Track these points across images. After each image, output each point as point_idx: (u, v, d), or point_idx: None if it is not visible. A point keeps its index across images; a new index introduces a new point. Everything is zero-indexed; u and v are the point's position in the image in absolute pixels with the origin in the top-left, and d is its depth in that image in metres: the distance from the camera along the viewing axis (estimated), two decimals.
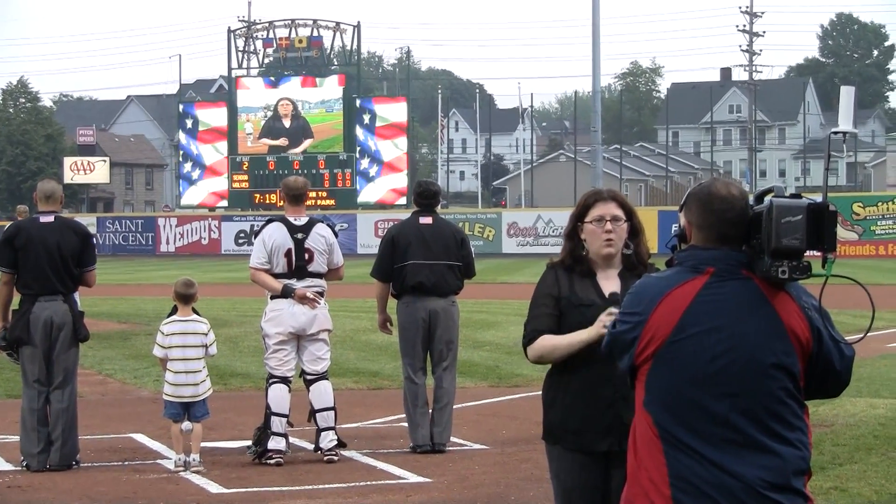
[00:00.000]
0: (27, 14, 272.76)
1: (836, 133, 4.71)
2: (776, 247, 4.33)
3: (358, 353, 20.66)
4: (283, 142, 72.55)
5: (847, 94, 4.77)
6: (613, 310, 5.99)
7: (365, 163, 71.48)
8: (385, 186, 71.28)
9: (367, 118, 71.86)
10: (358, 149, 71.42)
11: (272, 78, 74.52)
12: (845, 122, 4.71)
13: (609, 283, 6.15)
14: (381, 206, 70.77)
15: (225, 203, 74.65)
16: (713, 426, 4.37)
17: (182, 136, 76.72)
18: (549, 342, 6.12)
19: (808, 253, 4.37)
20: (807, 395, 4.52)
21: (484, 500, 10.52)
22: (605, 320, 5.90)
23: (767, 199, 4.40)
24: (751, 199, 4.51)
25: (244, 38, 75.91)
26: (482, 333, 23.72)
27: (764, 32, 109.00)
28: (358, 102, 72.65)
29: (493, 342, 22.36)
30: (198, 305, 12.10)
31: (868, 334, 4.96)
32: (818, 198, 4.39)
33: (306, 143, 72.25)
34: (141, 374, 18.26)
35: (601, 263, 6.26)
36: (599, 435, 6.11)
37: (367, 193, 71.37)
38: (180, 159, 77.48)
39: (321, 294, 12.12)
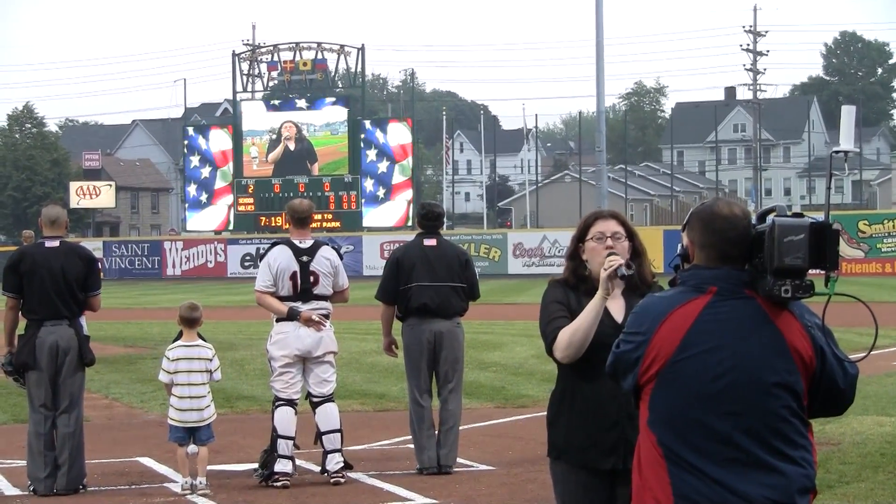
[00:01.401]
0: (32, 40, 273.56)
1: (837, 152, 4.72)
2: (778, 266, 4.33)
3: (364, 375, 20.65)
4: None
5: (848, 114, 4.79)
6: (614, 257, 6.04)
7: (370, 185, 71.50)
8: (390, 208, 71.29)
9: (372, 140, 71.88)
10: (363, 171, 71.43)
11: (276, 101, 74.59)
12: (847, 142, 4.72)
13: (613, 302, 6.15)
14: (386, 228, 70.75)
15: (230, 226, 74.69)
16: (717, 445, 4.38)
17: (192, 160, 76.70)
18: (570, 328, 6.09)
19: (810, 271, 4.37)
20: (811, 413, 4.52)
21: None
22: (606, 266, 6.00)
23: (769, 218, 4.41)
24: (753, 218, 4.52)
25: (248, 62, 75.92)
26: (488, 354, 23.69)
27: (768, 51, 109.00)
28: (367, 124, 72.70)
29: (498, 363, 22.33)
30: (204, 328, 12.11)
31: (873, 352, 4.96)
32: (823, 216, 4.40)
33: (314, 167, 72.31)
34: (147, 398, 18.26)
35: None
36: (604, 453, 6.11)
37: (373, 216, 71.36)
38: (189, 183, 77.38)
39: (326, 316, 12.12)
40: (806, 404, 4.49)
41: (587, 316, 6.04)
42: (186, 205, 76.78)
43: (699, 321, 4.43)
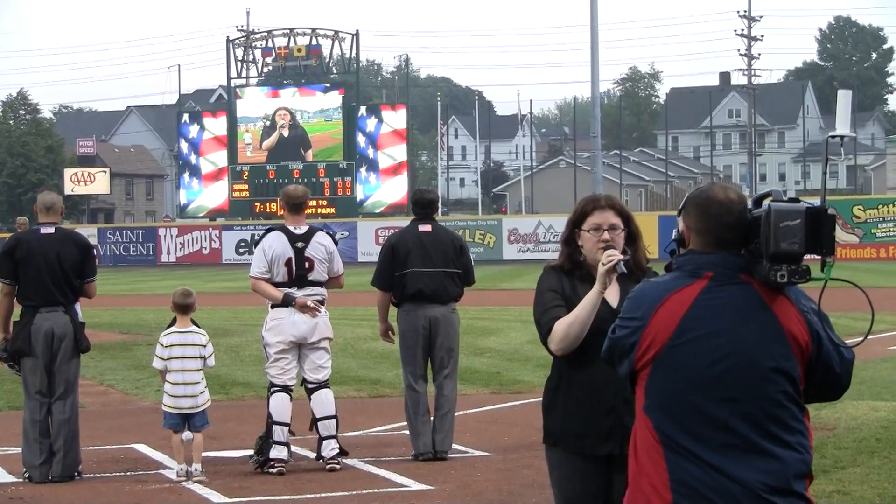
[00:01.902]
0: (26, 26, 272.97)
1: (833, 137, 4.71)
2: (775, 251, 4.33)
3: (359, 361, 20.65)
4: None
5: (844, 98, 4.77)
6: (612, 252, 6.03)
7: (364, 171, 71.45)
8: (385, 194, 71.24)
9: (366, 126, 71.83)
10: (357, 157, 71.38)
11: (271, 87, 74.51)
12: (843, 126, 4.70)
13: (609, 288, 6.13)
14: (381, 214, 70.74)
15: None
16: (713, 430, 4.37)
17: (183, 146, 76.64)
18: (566, 320, 6.07)
19: (806, 256, 4.37)
20: (807, 398, 4.52)
21: None
22: (604, 261, 5.98)
23: (766, 203, 4.40)
24: (749, 203, 4.51)
25: (243, 48, 75.83)
26: (483, 340, 23.71)
27: (762, 36, 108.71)
28: (362, 110, 72.62)
29: (494, 349, 22.34)
30: (199, 314, 12.09)
31: (869, 337, 4.96)
32: (818, 201, 4.39)
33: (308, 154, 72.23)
34: (142, 385, 18.25)
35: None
36: (601, 439, 6.10)
37: (367, 202, 71.33)
38: (183, 169, 77.30)
39: (322, 302, 12.11)
40: (802, 389, 4.48)
41: (583, 309, 6.03)
42: (182, 191, 76.68)
43: (695, 306, 4.42)
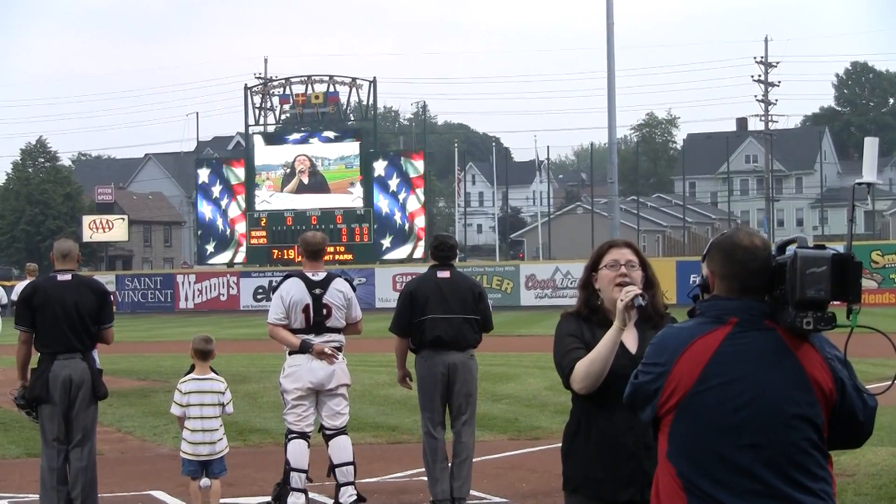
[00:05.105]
0: (45, 75, 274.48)
1: (860, 184, 4.69)
2: (801, 298, 4.30)
3: (377, 408, 20.60)
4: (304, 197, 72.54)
5: (871, 145, 4.76)
6: (631, 288, 5.99)
7: (383, 217, 71.50)
8: (403, 241, 71.27)
9: (384, 173, 71.92)
10: (375, 203, 71.47)
11: (289, 135, 74.70)
12: (869, 173, 4.69)
13: (626, 333, 6.10)
14: (398, 260, 70.72)
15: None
16: (737, 477, 4.35)
17: (198, 196, 76.78)
18: (587, 359, 6.05)
19: (831, 303, 4.34)
20: (830, 445, 4.50)
21: None
22: (622, 296, 5.96)
23: (791, 249, 4.38)
24: (773, 248, 4.48)
25: (261, 95, 76.07)
26: (501, 386, 23.63)
27: (779, 82, 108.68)
28: (379, 157, 72.80)
29: (512, 395, 22.27)
30: (217, 361, 12.06)
31: (885, 383, 4.92)
32: (839, 247, 4.36)
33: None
34: (160, 432, 18.22)
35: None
36: (621, 485, 6.07)
37: (385, 248, 71.37)
38: (202, 217, 77.43)
39: (339, 349, 12.09)
40: (825, 436, 4.45)
41: (604, 347, 6.00)
42: (200, 240, 76.78)
43: (719, 352, 4.39)
